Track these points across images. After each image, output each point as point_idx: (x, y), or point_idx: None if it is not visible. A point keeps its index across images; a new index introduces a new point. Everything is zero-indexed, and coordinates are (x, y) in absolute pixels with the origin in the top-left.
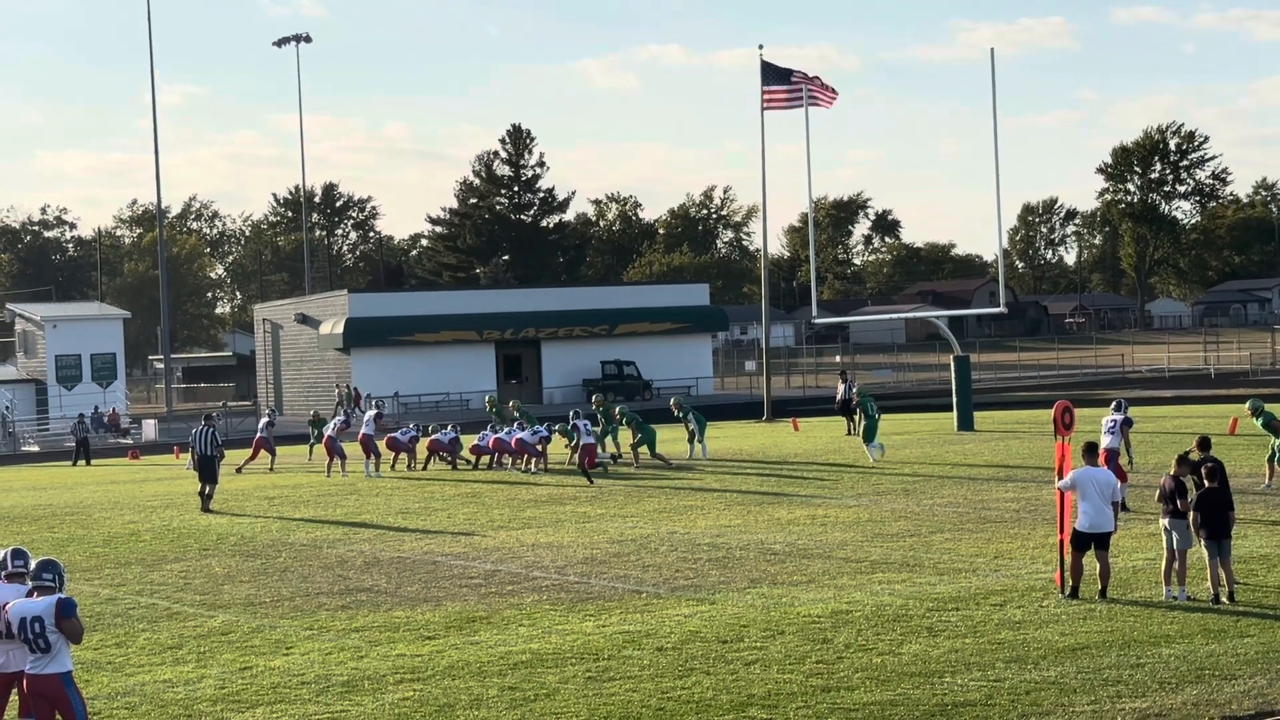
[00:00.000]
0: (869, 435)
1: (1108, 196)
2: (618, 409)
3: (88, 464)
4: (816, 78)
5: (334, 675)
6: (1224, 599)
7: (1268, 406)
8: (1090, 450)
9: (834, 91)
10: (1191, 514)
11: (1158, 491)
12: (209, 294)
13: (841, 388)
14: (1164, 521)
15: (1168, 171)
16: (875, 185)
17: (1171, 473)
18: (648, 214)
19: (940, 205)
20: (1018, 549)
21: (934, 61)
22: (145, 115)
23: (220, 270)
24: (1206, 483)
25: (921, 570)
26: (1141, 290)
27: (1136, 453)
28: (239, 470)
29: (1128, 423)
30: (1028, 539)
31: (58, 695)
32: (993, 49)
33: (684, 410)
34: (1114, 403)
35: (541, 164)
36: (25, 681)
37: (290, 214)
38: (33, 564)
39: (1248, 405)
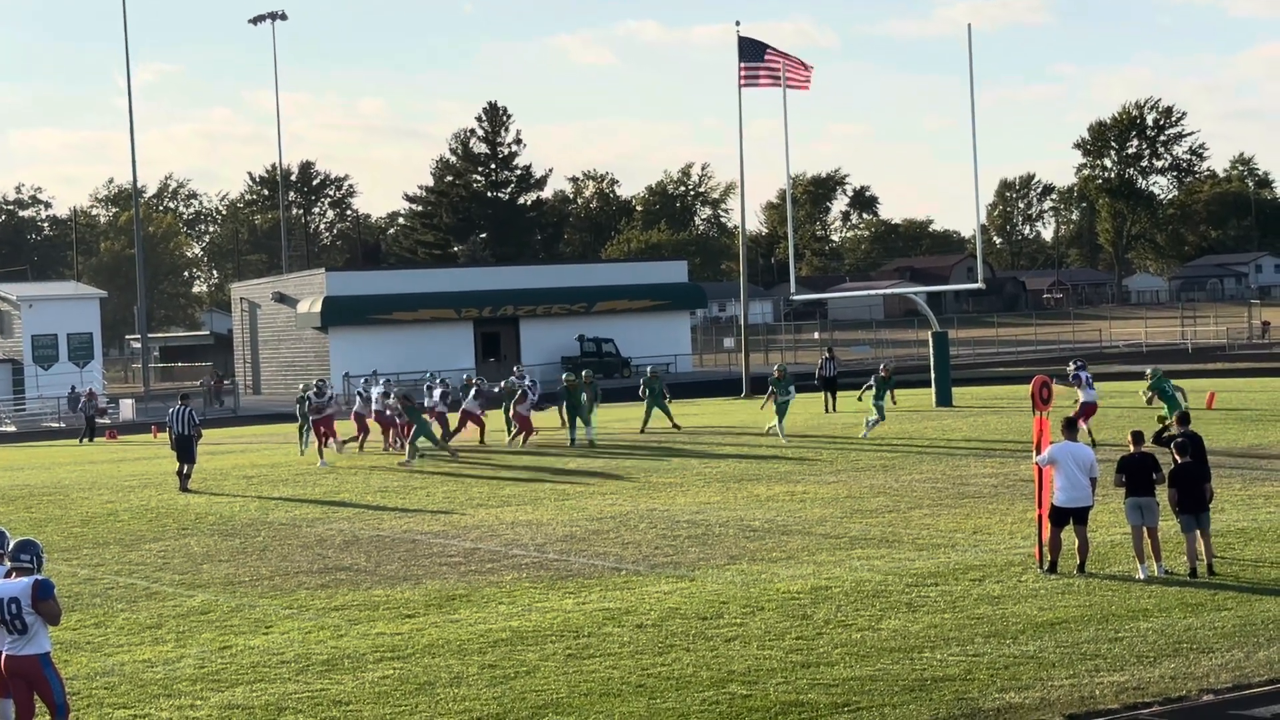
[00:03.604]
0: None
1: (1085, 172)
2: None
3: (90, 441)
4: (793, 59)
5: (314, 654)
6: (1202, 572)
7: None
8: (1070, 425)
9: (808, 68)
10: (1168, 490)
11: (1115, 473)
12: (186, 273)
13: (821, 363)
14: (1128, 499)
15: (1145, 147)
16: (853, 161)
17: (1130, 450)
18: (625, 191)
19: (918, 181)
20: (996, 524)
21: (912, 36)
22: (120, 93)
23: (197, 249)
24: (1179, 458)
25: (900, 546)
26: (1119, 265)
27: (1114, 428)
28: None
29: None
30: (1006, 514)
31: (35, 676)
32: (970, 24)
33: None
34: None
35: (519, 141)
36: (3, 662)
37: (267, 192)
38: (10, 545)
39: (1149, 371)
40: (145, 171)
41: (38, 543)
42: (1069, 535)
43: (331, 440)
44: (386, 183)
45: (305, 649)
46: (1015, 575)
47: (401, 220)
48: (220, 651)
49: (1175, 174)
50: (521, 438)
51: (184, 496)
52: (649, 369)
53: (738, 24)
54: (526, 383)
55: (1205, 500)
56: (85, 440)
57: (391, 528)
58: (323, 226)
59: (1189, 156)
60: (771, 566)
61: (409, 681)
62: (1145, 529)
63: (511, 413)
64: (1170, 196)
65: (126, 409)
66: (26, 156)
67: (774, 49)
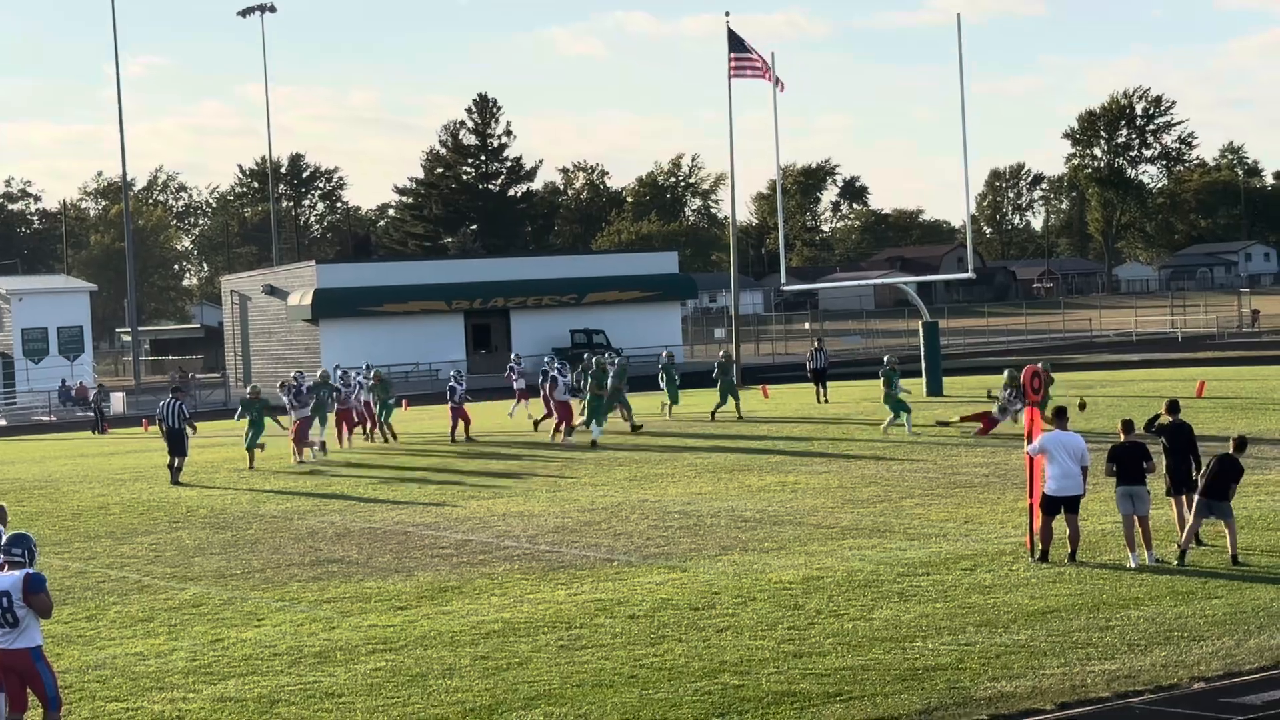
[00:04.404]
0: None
1: (1075, 161)
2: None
3: (103, 433)
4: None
5: (306, 646)
6: (1218, 563)
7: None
8: (1060, 414)
9: (781, 85)
10: (1202, 470)
11: (1106, 462)
12: (176, 266)
13: (812, 356)
14: (1119, 488)
15: (1134, 136)
16: (843, 151)
17: (1121, 440)
18: (615, 182)
19: (908, 171)
20: (987, 514)
21: (902, 27)
22: (109, 86)
23: (187, 242)
24: (1233, 452)
25: (892, 535)
26: (1109, 254)
27: (1104, 417)
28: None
29: None
30: (997, 504)
31: (28, 669)
32: (960, 15)
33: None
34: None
35: (508, 133)
36: None
37: (257, 185)
38: (3, 538)
39: (1006, 373)
40: (135, 165)
41: (30, 536)
42: (1060, 524)
43: (299, 442)
44: (376, 175)
45: (297, 641)
46: (1007, 564)
47: (392, 212)
48: (212, 644)
49: (1165, 163)
50: (564, 428)
51: (175, 489)
52: (663, 354)
53: (727, 15)
54: (556, 365)
55: (1227, 493)
56: (97, 431)
57: (383, 520)
58: (313, 219)
59: (1178, 145)
60: (763, 557)
61: (401, 673)
62: (1136, 517)
63: (551, 401)
64: (1160, 185)
65: (117, 402)
66: (16, 150)
67: (755, 52)
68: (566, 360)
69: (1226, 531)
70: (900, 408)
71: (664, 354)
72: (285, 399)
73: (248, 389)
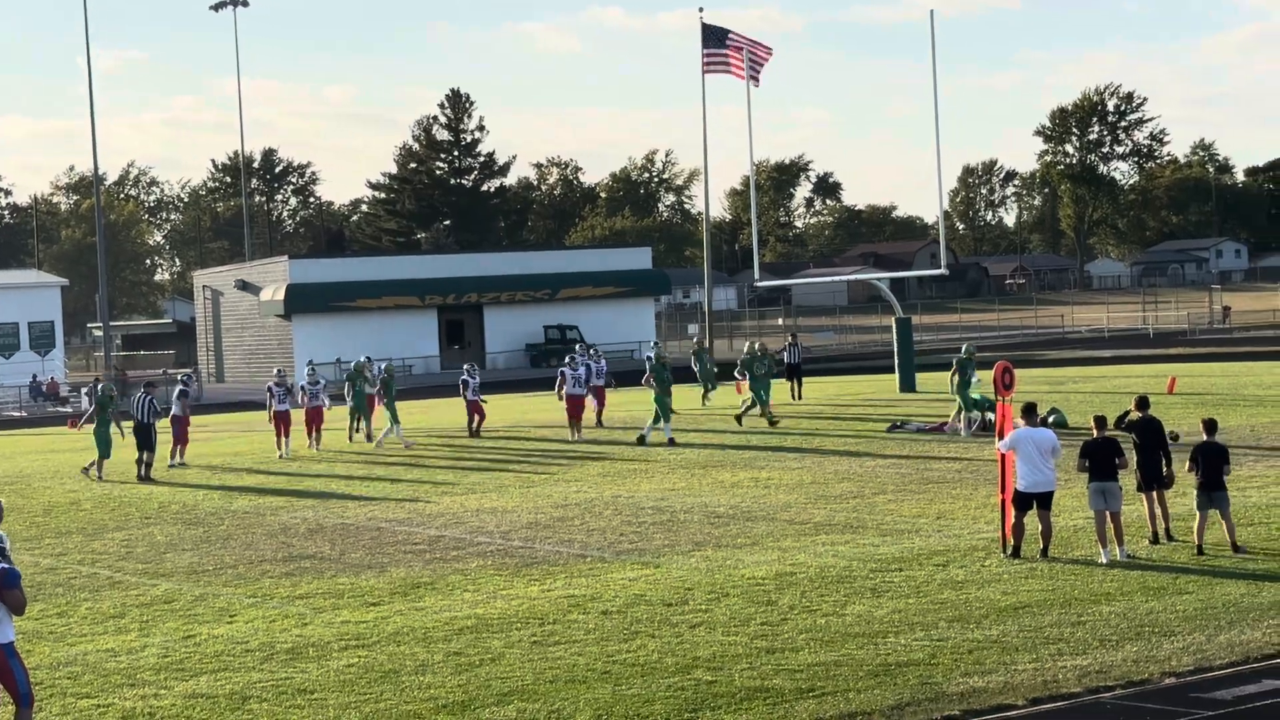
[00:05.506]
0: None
1: (1047, 158)
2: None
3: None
4: (751, 41)
5: (278, 643)
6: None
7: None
8: (1029, 410)
9: (768, 49)
10: (1189, 464)
11: (1079, 458)
12: (148, 261)
13: (787, 351)
14: (1091, 484)
15: (1106, 133)
16: (816, 147)
17: (1094, 435)
18: (589, 178)
19: (881, 167)
20: (960, 509)
21: (877, 21)
22: (81, 81)
23: (159, 237)
24: (1207, 436)
25: (865, 531)
26: (1081, 251)
27: (1076, 413)
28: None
29: None
30: (970, 499)
31: (0, 665)
32: (932, 10)
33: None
34: None
35: (481, 128)
36: None
37: (229, 179)
38: None
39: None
40: (108, 159)
41: (3, 533)
42: (1032, 520)
43: (284, 437)
44: (349, 169)
45: (270, 637)
46: (979, 560)
47: (365, 207)
48: (184, 640)
49: (1136, 160)
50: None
51: (147, 485)
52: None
53: (701, 10)
54: (565, 358)
55: (1222, 480)
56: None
57: (356, 515)
58: (286, 214)
59: (1149, 142)
60: (736, 553)
61: (374, 669)
62: (1108, 513)
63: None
64: (1131, 182)
65: (89, 398)
66: None
67: (735, 33)
68: (583, 352)
69: (1223, 522)
70: (973, 403)
71: (695, 342)
72: (269, 396)
73: (99, 386)
